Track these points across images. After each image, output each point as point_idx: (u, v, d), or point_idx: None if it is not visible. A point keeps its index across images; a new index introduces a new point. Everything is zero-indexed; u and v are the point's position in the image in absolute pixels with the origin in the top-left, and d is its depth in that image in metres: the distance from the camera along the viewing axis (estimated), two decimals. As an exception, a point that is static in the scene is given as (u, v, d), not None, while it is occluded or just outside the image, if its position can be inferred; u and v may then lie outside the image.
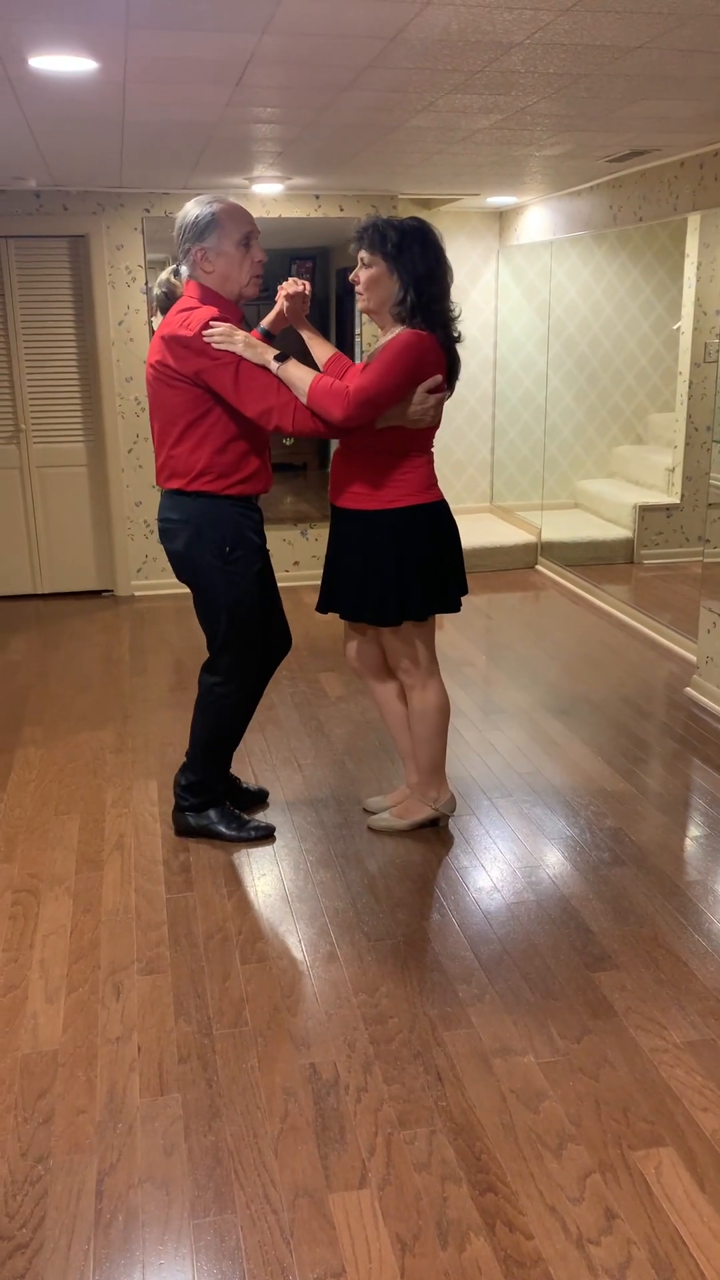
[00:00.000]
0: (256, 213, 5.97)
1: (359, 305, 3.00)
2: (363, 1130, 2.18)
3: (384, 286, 2.91)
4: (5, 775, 3.88)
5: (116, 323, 5.96)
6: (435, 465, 6.33)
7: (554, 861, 3.24)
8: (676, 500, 6.51)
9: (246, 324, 3.17)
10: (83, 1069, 2.38)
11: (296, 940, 2.85)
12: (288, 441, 6.30)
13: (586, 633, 5.53)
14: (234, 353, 2.86)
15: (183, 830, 3.40)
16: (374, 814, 3.50)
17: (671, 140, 4.30)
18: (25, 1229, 1.96)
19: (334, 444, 3.21)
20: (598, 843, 3.34)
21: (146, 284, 5.93)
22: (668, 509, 6.55)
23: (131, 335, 5.99)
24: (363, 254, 2.92)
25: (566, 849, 3.31)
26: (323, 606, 3.25)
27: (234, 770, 3.73)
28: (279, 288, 3.21)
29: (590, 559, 6.62)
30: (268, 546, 3.23)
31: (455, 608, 3.18)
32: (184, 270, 3.01)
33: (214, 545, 3.06)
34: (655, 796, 3.66)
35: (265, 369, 2.89)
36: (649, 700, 4.55)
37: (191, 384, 2.93)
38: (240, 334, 2.89)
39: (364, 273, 2.93)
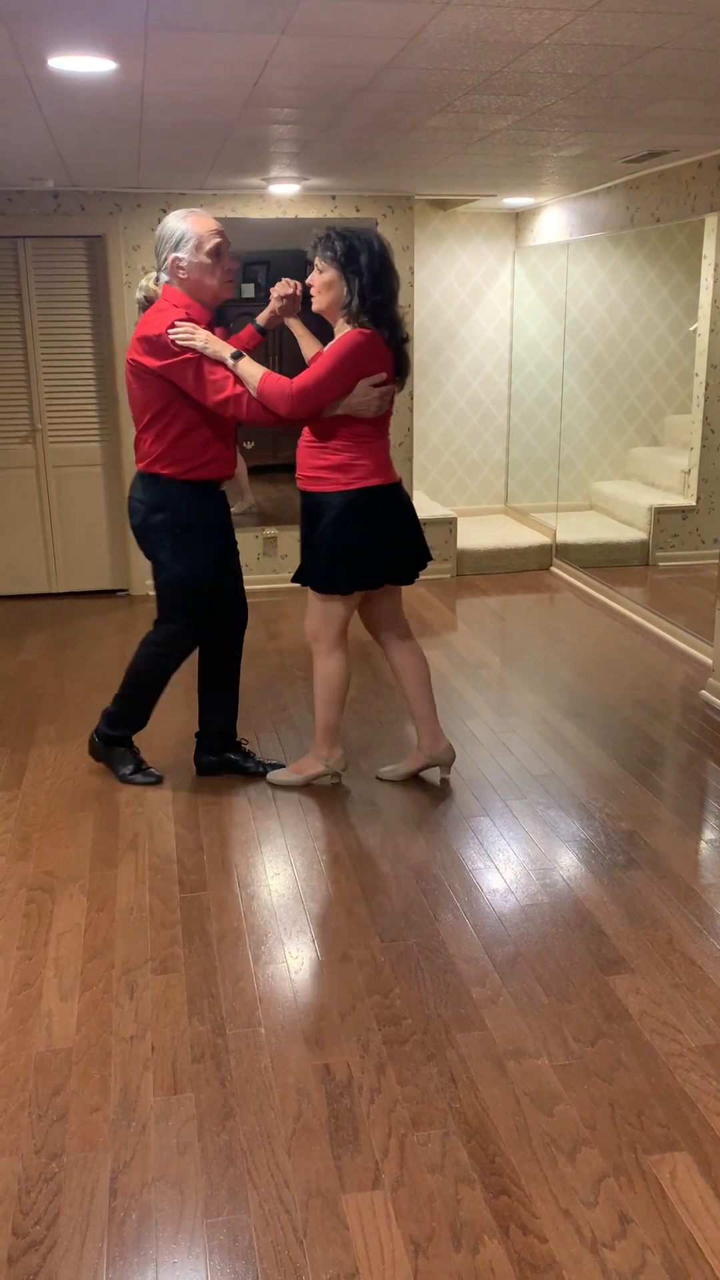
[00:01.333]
0: (273, 213, 5.99)
1: (313, 307, 3.31)
2: (376, 1131, 2.18)
3: (334, 290, 3.23)
4: (20, 773, 3.90)
5: (133, 323, 5.97)
6: (450, 466, 6.39)
7: (568, 864, 3.23)
8: (692, 502, 6.49)
9: (227, 327, 3.47)
10: (97, 1067, 2.38)
11: (310, 940, 2.85)
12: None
13: (601, 635, 5.51)
14: (195, 350, 3.19)
15: (93, 753, 3.88)
16: (388, 781, 3.78)
17: (690, 141, 4.29)
18: (39, 1226, 1.97)
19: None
20: (612, 845, 3.33)
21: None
22: (683, 511, 6.53)
23: (148, 335, 6.00)
24: (317, 260, 3.23)
25: (581, 851, 3.30)
26: (295, 577, 3.56)
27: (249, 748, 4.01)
28: (272, 290, 3.50)
29: (605, 561, 6.60)
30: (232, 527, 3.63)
31: (406, 580, 3.51)
32: (163, 277, 3.36)
33: (167, 523, 3.43)
34: (670, 799, 3.64)
35: (223, 364, 3.22)
36: (664, 703, 4.53)
37: (158, 378, 3.26)
38: (202, 332, 3.21)
39: (317, 278, 3.25)
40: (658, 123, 3.84)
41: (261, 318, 3.52)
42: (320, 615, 3.52)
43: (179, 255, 3.25)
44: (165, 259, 3.29)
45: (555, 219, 6.43)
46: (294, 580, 3.55)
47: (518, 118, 3.69)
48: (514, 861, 3.25)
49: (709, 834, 3.41)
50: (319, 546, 3.39)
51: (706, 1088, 2.29)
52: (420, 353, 7.05)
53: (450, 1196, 2.01)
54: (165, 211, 5.86)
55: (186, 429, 3.33)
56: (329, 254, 3.19)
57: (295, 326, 3.54)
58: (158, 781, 3.78)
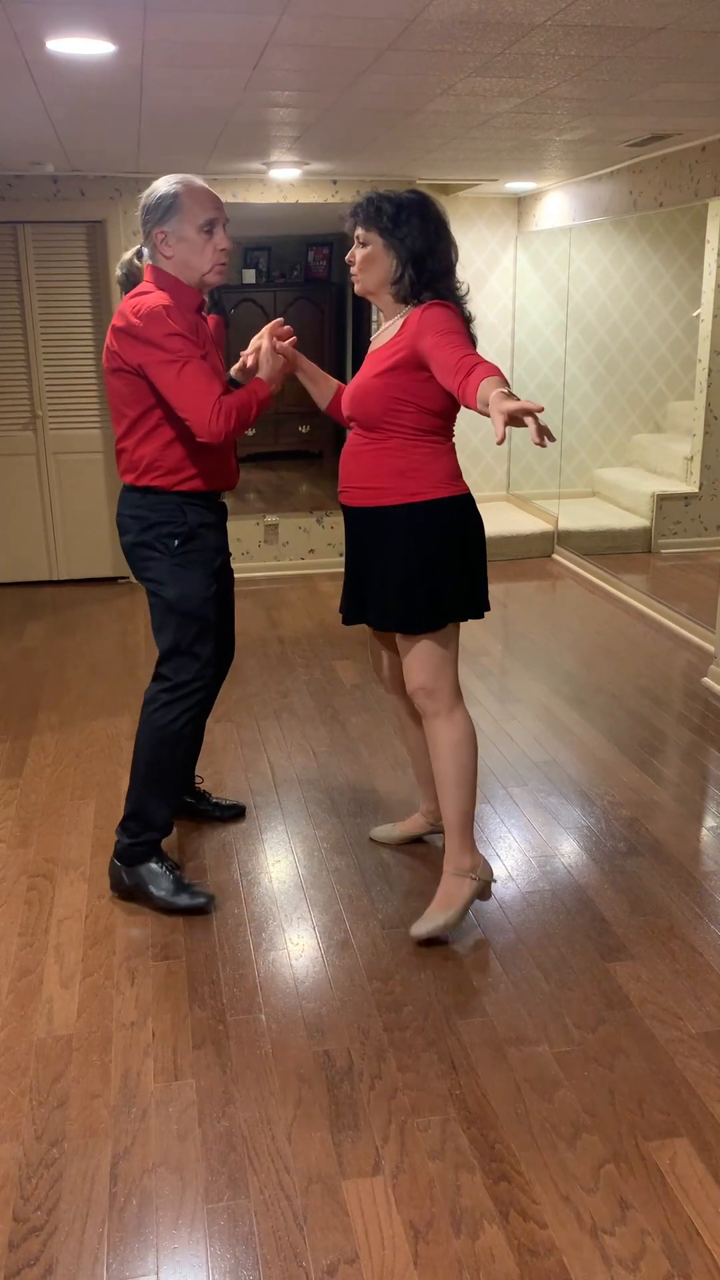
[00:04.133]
0: (273, 198, 5.94)
1: (356, 288, 2.72)
2: (376, 1117, 2.18)
3: (381, 264, 2.61)
4: (21, 761, 3.90)
5: (133, 309, 5.95)
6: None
7: (569, 851, 3.23)
8: (695, 489, 6.47)
9: (226, 316, 2.99)
10: (97, 1054, 2.38)
11: (310, 927, 2.85)
12: (304, 428, 6.28)
13: (603, 622, 5.50)
14: (183, 350, 2.63)
15: (116, 885, 3.00)
16: (382, 843, 3.28)
17: (693, 124, 4.26)
18: (40, 1212, 1.97)
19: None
20: (613, 832, 3.33)
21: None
22: (686, 498, 6.51)
23: (148, 321, 5.98)
24: (359, 231, 2.64)
25: (582, 839, 3.30)
26: (348, 618, 2.89)
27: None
28: (258, 340, 2.87)
29: (607, 548, 6.59)
30: (230, 546, 3.11)
31: (481, 613, 2.81)
32: (145, 252, 2.80)
33: (161, 539, 2.83)
34: (672, 786, 3.64)
35: (210, 374, 2.68)
36: (666, 690, 4.53)
37: (137, 375, 2.71)
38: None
39: (359, 251, 2.65)
40: (661, 106, 3.81)
41: (235, 369, 2.95)
42: (432, 663, 2.71)
43: (164, 228, 2.69)
44: (149, 231, 2.73)
45: (558, 203, 6.40)
46: (349, 623, 2.88)
47: (520, 100, 3.66)
48: (515, 848, 3.24)
49: (710, 821, 3.41)
50: (397, 577, 2.69)
51: (707, 1074, 2.29)
52: (422, 339, 7.01)
53: (450, 1182, 2.02)
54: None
55: (177, 433, 2.76)
56: (373, 220, 2.58)
57: (304, 368, 2.93)
58: (208, 901, 2.93)
